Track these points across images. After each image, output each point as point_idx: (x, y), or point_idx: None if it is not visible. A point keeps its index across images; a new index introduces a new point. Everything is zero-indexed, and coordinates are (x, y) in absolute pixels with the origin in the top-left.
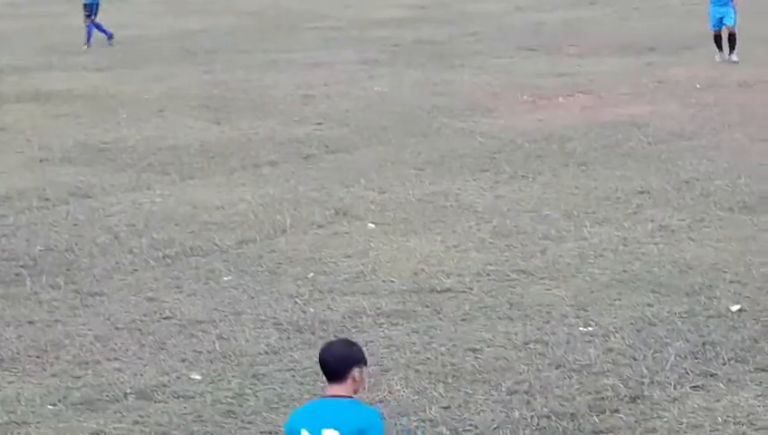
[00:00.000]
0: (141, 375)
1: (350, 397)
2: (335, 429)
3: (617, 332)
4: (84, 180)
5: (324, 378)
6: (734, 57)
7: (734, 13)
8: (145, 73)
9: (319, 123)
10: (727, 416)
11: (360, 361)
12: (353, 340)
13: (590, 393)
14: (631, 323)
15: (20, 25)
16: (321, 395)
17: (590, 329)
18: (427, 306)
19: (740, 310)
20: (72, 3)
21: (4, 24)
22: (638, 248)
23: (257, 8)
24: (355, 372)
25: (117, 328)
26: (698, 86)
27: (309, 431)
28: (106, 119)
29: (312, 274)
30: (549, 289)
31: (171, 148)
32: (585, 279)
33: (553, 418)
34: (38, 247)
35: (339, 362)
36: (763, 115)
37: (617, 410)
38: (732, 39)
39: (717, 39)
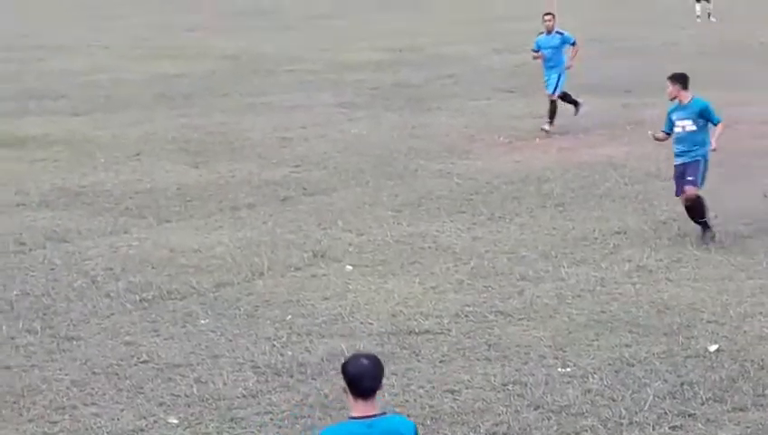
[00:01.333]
0: (118, 420)
1: (384, 414)
2: None
3: (595, 372)
4: (61, 224)
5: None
6: (546, 127)
7: (560, 80)
8: (122, 118)
9: (296, 166)
10: None
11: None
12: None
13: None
14: (609, 364)
15: None
16: (353, 417)
17: (568, 370)
18: (406, 348)
19: (718, 350)
20: (48, 48)
21: None
22: (615, 289)
23: (234, 52)
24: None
25: (94, 372)
26: None
27: None
28: (83, 163)
29: (289, 316)
30: (527, 330)
31: (148, 191)
32: (563, 320)
33: None
34: (14, 292)
35: (376, 377)
36: (737, 155)
37: None
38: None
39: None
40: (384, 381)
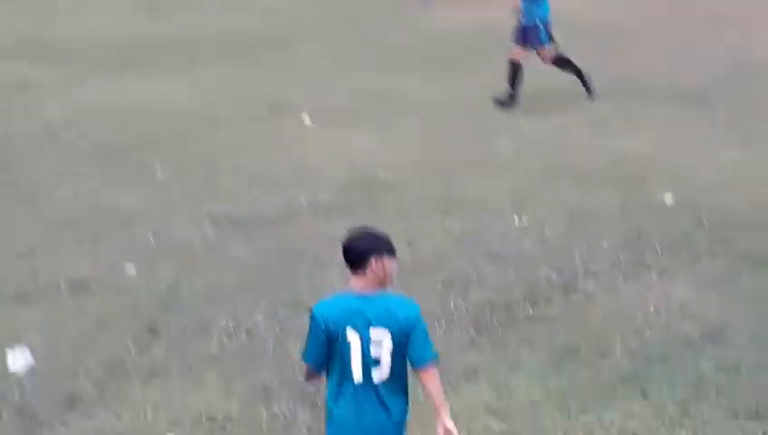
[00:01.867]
0: (77, 268)
1: (378, 290)
2: (384, 327)
3: (551, 223)
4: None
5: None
6: None
7: None
8: None
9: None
10: (659, 305)
11: (377, 250)
12: (376, 230)
13: (525, 284)
14: (565, 215)
15: None
16: (346, 290)
17: (525, 222)
18: (365, 201)
19: (673, 202)
20: None
21: None
22: (571, 140)
23: None
24: (373, 262)
25: (53, 221)
26: None
27: (355, 329)
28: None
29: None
30: (485, 183)
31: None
32: (520, 172)
33: (489, 308)
34: None
35: (356, 251)
36: None
37: (551, 300)
38: None
39: None
40: (343, 233)
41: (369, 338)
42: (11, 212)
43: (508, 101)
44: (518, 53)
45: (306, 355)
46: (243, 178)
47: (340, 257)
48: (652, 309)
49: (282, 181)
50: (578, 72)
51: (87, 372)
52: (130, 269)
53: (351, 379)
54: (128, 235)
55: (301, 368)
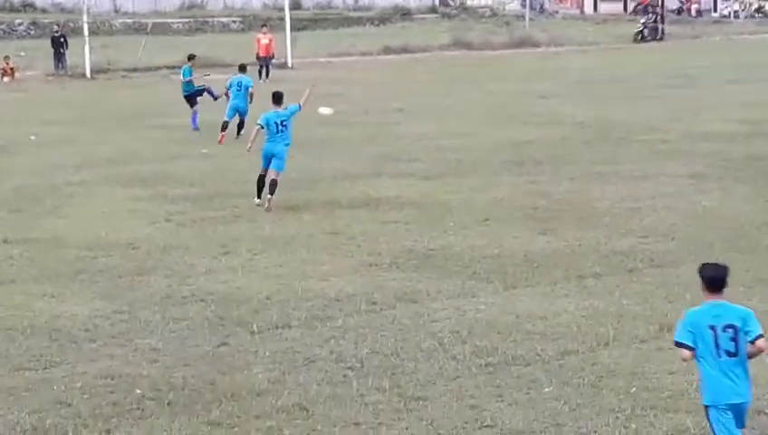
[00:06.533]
0: None
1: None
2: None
3: None
4: (411, 285)
5: None
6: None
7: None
8: (472, 182)
9: (644, 236)
10: None
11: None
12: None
13: None
14: None
15: (351, 133)
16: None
17: None
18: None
19: None
20: (406, 112)
21: (336, 131)
22: None
23: (583, 119)
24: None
25: (438, 434)
26: None
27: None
28: (433, 226)
29: (634, 389)
30: None
31: (496, 256)
32: None
33: None
34: (365, 350)
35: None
36: None
37: None
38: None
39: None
40: None
41: None
42: (399, 421)
43: None
44: None
45: None
46: (629, 399)
47: None
48: None
49: (669, 405)
50: None
51: None
52: None
53: None
54: None
55: None
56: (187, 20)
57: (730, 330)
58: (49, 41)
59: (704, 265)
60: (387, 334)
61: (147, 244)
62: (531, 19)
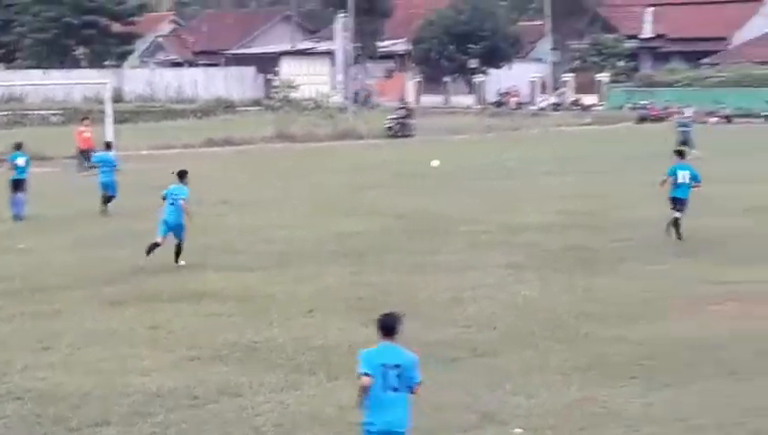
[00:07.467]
0: None
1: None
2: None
3: None
4: (234, 379)
5: None
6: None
7: None
8: (296, 273)
9: (466, 326)
10: None
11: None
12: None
13: None
14: None
15: None
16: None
17: None
18: None
19: None
20: (230, 205)
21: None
22: None
23: (406, 211)
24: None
25: None
26: None
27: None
28: (257, 318)
29: None
30: None
31: (320, 348)
32: None
33: None
34: None
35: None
36: None
37: None
38: None
39: None
40: None
41: None
42: None
43: None
44: None
45: None
46: None
47: None
48: None
49: None
50: None
51: None
52: None
53: None
54: None
55: None
56: (5, 113)
57: (396, 369)
58: None
59: (382, 314)
60: (209, 429)
61: None
62: (354, 111)
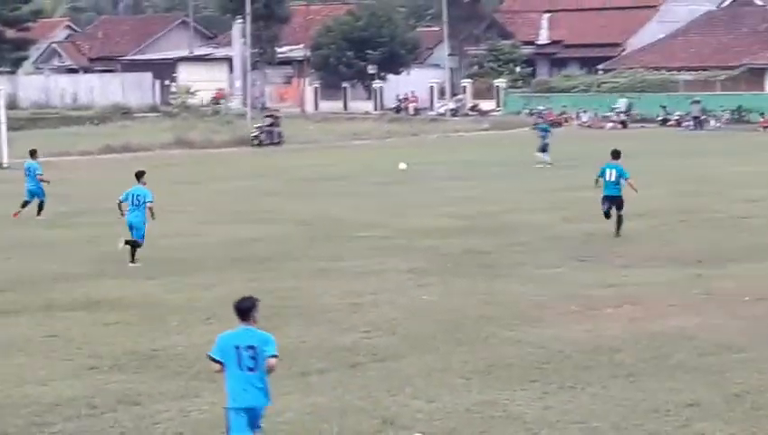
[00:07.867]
0: None
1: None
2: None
3: None
4: (133, 387)
5: None
6: None
7: None
8: (196, 281)
9: (366, 331)
10: None
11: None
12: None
13: None
14: None
15: (73, 234)
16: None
17: None
18: None
19: None
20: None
21: (55, 233)
22: None
23: (306, 217)
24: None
25: None
26: (747, 299)
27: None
28: (155, 326)
29: None
30: None
31: None
32: None
33: None
34: None
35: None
36: None
37: None
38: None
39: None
40: None
41: None
42: None
43: None
44: None
45: None
46: None
47: None
48: None
49: None
50: None
51: None
52: None
53: None
54: None
55: None
56: None
57: (251, 350)
58: None
59: (238, 298)
60: None
61: None
62: (252, 118)
